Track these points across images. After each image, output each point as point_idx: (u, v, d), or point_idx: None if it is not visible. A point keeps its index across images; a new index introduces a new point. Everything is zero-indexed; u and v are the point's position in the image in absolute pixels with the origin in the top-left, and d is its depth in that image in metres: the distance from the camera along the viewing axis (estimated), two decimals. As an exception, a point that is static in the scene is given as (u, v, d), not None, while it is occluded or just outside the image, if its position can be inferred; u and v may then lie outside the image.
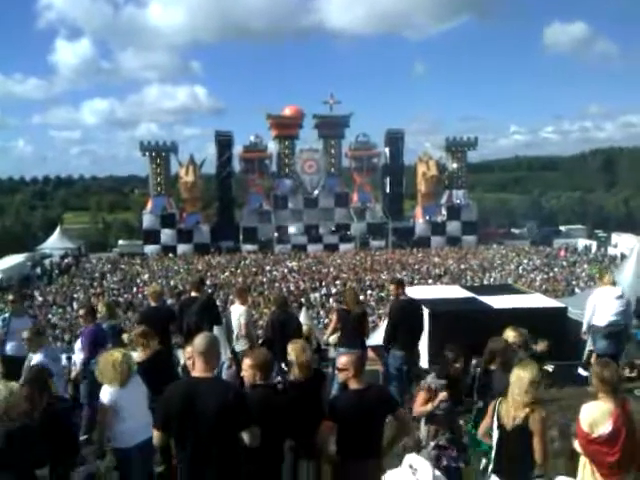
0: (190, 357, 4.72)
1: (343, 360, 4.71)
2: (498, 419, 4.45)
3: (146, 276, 42.29)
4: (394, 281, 8.82)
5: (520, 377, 4.34)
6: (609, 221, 75.00)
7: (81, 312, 8.45)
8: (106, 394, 5.08)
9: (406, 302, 8.42)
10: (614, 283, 8.75)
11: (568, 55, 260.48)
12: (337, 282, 38.46)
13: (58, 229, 58.95)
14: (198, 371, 4.05)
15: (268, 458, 4.34)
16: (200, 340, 4.13)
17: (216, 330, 8.47)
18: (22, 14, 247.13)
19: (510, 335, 6.29)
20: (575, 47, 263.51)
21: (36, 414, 4.75)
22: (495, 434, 4.47)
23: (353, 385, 4.62)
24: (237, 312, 8.50)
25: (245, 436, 4.01)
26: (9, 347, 8.14)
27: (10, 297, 9.30)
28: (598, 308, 8.65)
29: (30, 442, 4.14)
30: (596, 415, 4.29)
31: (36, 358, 6.59)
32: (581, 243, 55.49)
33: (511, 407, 4.36)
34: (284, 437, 4.55)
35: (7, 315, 8.51)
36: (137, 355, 7.21)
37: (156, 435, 4.11)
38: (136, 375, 5.31)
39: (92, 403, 6.62)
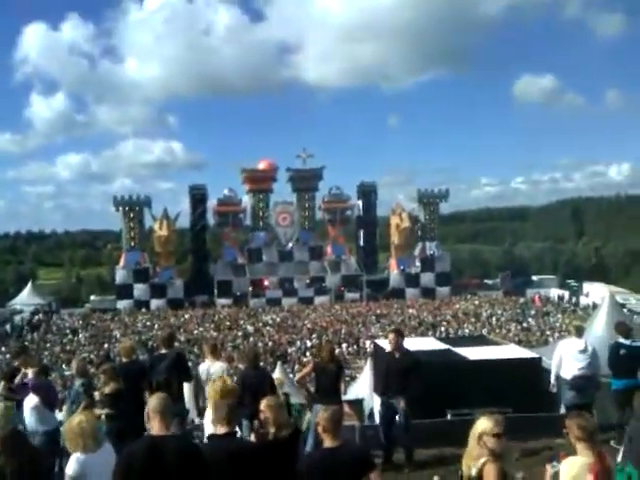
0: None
1: (320, 415, 4.67)
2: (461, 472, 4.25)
3: (117, 332, 41.67)
4: (393, 331, 8.78)
5: (475, 428, 4.18)
6: (580, 270, 76.11)
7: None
8: (72, 462, 4.67)
9: (405, 355, 8.44)
10: (579, 334, 8.85)
11: (538, 107, 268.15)
12: (313, 336, 38.22)
13: (30, 285, 58.16)
14: (157, 430, 4.05)
15: None
16: (156, 400, 4.18)
17: (186, 387, 8.34)
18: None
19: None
20: (545, 99, 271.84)
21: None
22: None
23: (327, 442, 4.53)
24: (215, 368, 8.31)
25: None
26: None
27: None
28: (564, 360, 8.74)
29: None
30: (576, 469, 4.22)
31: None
32: (553, 292, 56.06)
33: (467, 458, 4.16)
34: None
35: None
36: (106, 389, 7.19)
37: None
38: (106, 441, 5.00)
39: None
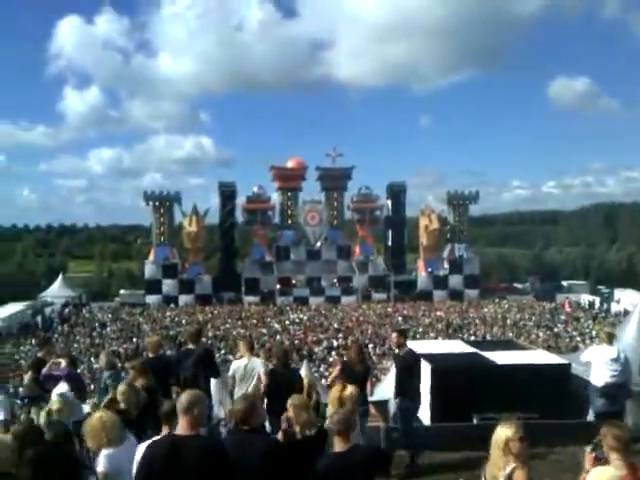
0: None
1: (333, 417, 4.65)
2: None
3: (146, 326, 42.12)
4: (397, 330, 8.81)
5: (496, 436, 4.09)
6: (611, 277, 74.90)
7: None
8: (102, 459, 4.65)
9: (407, 354, 8.38)
10: (611, 341, 8.71)
11: (572, 110, 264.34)
12: (339, 335, 38.24)
13: (60, 277, 59.02)
14: (181, 429, 3.97)
15: None
16: (184, 397, 4.04)
17: (213, 383, 8.34)
18: (32, 61, 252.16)
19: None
20: (579, 102, 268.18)
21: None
22: None
23: (338, 445, 4.50)
24: (254, 364, 8.20)
25: None
26: None
27: None
28: (594, 367, 8.61)
29: None
30: None
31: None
32: (584, 298, 55.26)
33: (493, 467, 4.07)
34: None
35: None
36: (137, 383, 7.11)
37: None
38: (128, 434, 4.95)
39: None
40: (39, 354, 9.51)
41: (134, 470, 4.10)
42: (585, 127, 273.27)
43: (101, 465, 4.62)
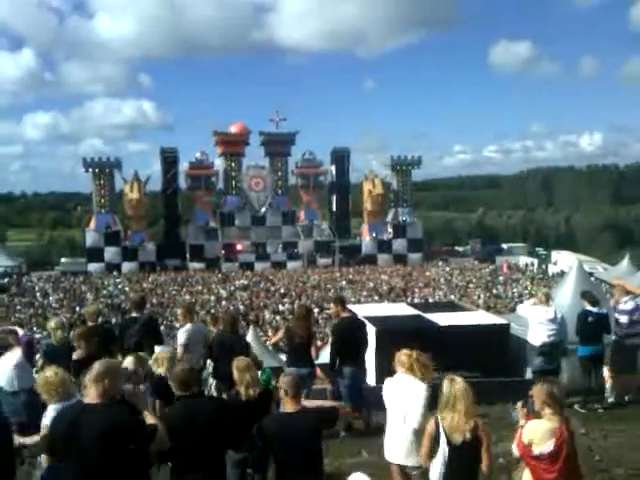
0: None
1: (282, 379, 4.72)
2: (445, 436, 4.37)
3: (89, 295, 41.42)
4: (334, 300, 8.87)
5: (464, 389, 4.39)
6: (549, 239, 77.16)
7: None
8: (50, 412, 4.81)
9: (348, 319, 8.47)
10: (548, 301, 8.98)
11: (513, 74, 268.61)
12: (285, 300, 38.39)
13: (-1, 246, 57.31)
14: (90, 397, 3.94)
15: (204, 468, 4.33)
16: (96, 367, 4.00)
17: (157, 349, 8.28)
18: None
19: None
20: (520, 66, 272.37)
21: None
22: (441, 452, 4.39)
23: (287, 406, 4.62)
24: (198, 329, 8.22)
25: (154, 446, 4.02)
26: None
27: None
28: (532, 327, 8.88)
29: None
30: (539, 433, 4.31)
31: None
32: (522, 260, 56.81)
33: (458, 421, 4.34)
34: (219, 448, 4.50)
35: None
36: (75, 353, 7.01)
37: (43, 459, 4.12)
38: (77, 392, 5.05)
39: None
40: None
41: None
42: (526, 91, 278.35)
43: (47, 417, 4.76)
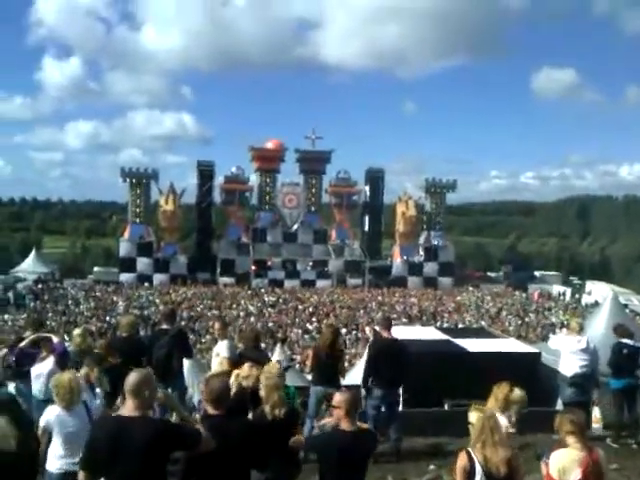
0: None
1: (337, 398, 4.67)
2: (482, 469, 4.25)
3: (121, 305, 41.79)
4: (381, 320, 8.82)
5: (496, 420, 4.35)
6: (583, 269, 75.94)
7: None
8: (48, 413, 5.12)
9: (388, 340, 8.40)
10: (581, 331, 8.82)
11: (555, 102, 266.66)
12: (313, 319, 38.29)
13: (34, 253, 58.27)
14: (127, 410, 3.89)
15: None
16: (132, 378, 3.96)
17: (186, 363, 8.30)
18: (11, 29, 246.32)
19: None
20: (562, 94, 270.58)
21: None
22: None
23: (344, 425, 4.55)
24: (218, 348, 8.06)
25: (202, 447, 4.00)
26: None
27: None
28: (564, 357, 8.71)
29: None
30: (566, 462, 4.28)
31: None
32: (555, 289, 55.97)
33: (496, 454, 4.26)
34: (245, 469, 4.43)
35: None
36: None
37: (81, 476, 3.96)
38: (82, 403, 5.31)
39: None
40: (26, 334, 8.93)
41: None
42: (567, 119, 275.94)
43: (44, 419, 5.19)
